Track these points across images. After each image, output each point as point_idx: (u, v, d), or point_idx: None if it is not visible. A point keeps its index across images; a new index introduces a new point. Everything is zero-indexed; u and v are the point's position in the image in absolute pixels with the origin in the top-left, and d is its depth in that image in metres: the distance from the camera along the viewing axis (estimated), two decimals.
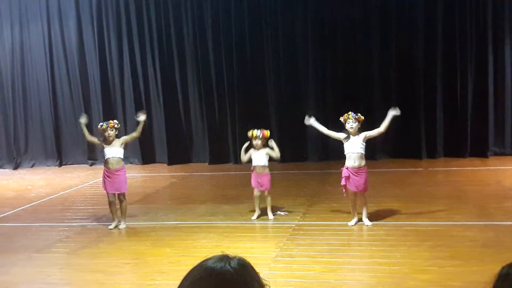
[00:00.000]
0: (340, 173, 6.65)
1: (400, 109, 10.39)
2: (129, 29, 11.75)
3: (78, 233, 7.12)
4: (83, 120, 7.37)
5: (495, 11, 10.25)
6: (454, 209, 7.08)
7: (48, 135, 12.46)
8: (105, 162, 7.15)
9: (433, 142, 10.58)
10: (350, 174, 6.50)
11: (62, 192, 9.64)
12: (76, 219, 7.78)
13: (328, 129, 6.80)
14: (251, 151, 7.14)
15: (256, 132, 7.06)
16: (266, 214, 7.17)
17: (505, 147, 10.45)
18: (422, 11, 10.43)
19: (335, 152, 10.81)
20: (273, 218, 7.10)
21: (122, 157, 7.18)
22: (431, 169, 9.81)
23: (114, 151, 7.09)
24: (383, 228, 6.50)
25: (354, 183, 6.50)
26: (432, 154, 10.55)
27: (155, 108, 11.88)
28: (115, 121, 7.28)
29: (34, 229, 7.44)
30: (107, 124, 7.12)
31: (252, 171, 7.18)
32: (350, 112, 6.56)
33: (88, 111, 12.10)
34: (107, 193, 7.16)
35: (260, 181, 7.08)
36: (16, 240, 7.00)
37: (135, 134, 7.46)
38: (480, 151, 10.33)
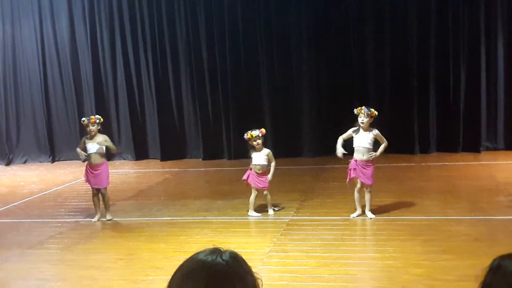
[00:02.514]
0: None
1: (394, 105, 10.65)
2: (121, 25, 11.70)
3: (71, 229, 7.10)
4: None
5: (487, 8, 10.28)
6: (447, 203, 7.11)
7: (40, 131, 12.40)
8: (88, 157, 7.24)
9: (426, 137, 10.61)
10: (358, 166, 6.54)
11: (55, 188, 9.61)
12: (69, 215, 7.76)
13: (337, 136, 6.75)
14: (252, 152, 7.12)
15: (254, 133, 7.00)
16: (265, 211, 7.19)
17: (497, 142, 10.49)
18: (415, 8, 10.45)
19: (329, 147, 10.91)
20: (273, 214, 7.10)
21: (103, 152, 7.25)
22: (424, 164, 9.85)
23: (96, 146, 7.19)
24: (376, 222, 6.53)
25: (362, 175, 6.56)
26: (425, 149, 10.59)
27: (148, 103, 11.85)
28: (97, 116, 7.39)
29: (27, 225, 7.42)
30: (88, 119, 7.24)
31: (250, 169, 7.16)
32: (363, 107, 6.56)
33: (80, 107, 12.09)
34: (91, 187, 7.30)
35: (259, 180, 7.07)
36: (8, 236, 6.98)
37: (113, 147, 7.54)
38: (473, 146, 10.37)
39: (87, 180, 7.33)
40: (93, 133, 7.18)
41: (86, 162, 7.39)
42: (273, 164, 7.08)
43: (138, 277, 5.30)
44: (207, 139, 11.53)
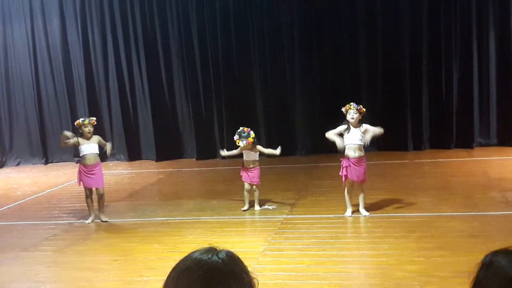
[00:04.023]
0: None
1: (386, 101, 10.66)
2: (113, 25, 11.67)
3: (65, 230, 7.08)
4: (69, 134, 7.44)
5: (479, 6, 10.30)
6: (441, 200, 7.13)
7: (33, 133, 12.35)
8: (83, 158, 7.24)
9: (419, 134, 10.64)
10: (351, 164, 6.56)
11: (49, 190, 9.58)
12: (63, 216, 7.73)
13: (321, 129, 6.87)
14: (241, 148, 7.24)
15: (241, 144, 7.08)
16: (253, 206, 7.28)
17: (490, 138, 10.53)
18: (407, 7, 10.47)
19: (323, 145, 10.92)
20: (259, 210, 7.20)
21: (98, 153, 7.30)
22: (417, 161, 9.87)
23: (92, 147, 7.23)
24: (371, 220, 6.54)
25: (355, 173, 6.57)
26: (418, 146, 10.62)
27: (141, 104, 11.82)
28: (94, 118, 7.45)
29: (21, 228, 7.39)
30: (88, 120, 7.27)
31: (242, 165, 7.24)
32: (352, 103, 6.59)
33: (73, 109, 12.05)
34: (85, 188, 7.27)
35: (250, 175, 7.15)
36: (2, 239, 6.94)
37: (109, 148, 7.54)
38: (466, 142, 10.41)
39: (82, 182, 7.26)
40: (89, 135, 7.21)
41: (79, 164, 7.39)
42: (267, 150, 7.36)
43: (132, 278, 5.30)
44: (200, 139, 11.51)
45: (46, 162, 12.27)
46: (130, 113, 11.85)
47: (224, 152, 7.50)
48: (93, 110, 11.69)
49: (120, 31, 11.64)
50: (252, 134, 7.13)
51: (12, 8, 12.14)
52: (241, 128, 7.23)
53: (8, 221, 7.82)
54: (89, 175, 7.20)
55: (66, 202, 8.60)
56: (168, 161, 11.51)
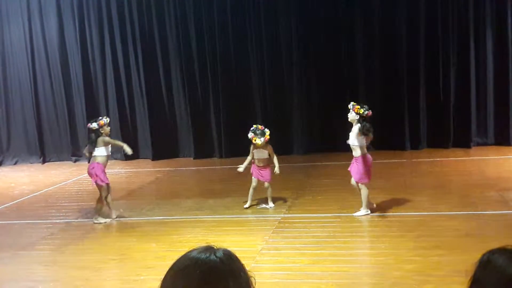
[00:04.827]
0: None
1: (384, 101, 10.66)
2: (110, 24, 11.65)
3: (62, 230, 7.07)
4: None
5: (476, 6, 10.31)
6: (438, 199, 7.14)
7: (30, 132, 12.33)
8: (105, 157, 7.21)
9: (416, 134, 10.65)
10: (353, 161, 6.66)
11: (46, 189, 9.56)
12: (61, 216, 7.72)
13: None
14: (252, 148, 7.23)
15: (259, 141, 7.05)
16: (256, 205, 7.33)
17: (487, 137, 10.55)
18: (404, 6, 10.48)
19: (321, 145, 10.94)
20: (272, 207, 7.25)
21: None
22: (414, 160, 9.88)
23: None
24: (368, 219, 6.54)
25: (352, 169, 6.64)
26: (415, 146, 10.63)
27: (138, 103, 11.81)
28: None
29: (18, 227, 7.38)
30: (109, 120, 7.32)
31: (253, 163, 7.28)
32: (351, 103, 6.64)
33: (70, 108, 12.03)
34: (108, 185, 7.20)
35: (261, 173, 7.22)
36: (0, 238, 6.93)
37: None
38: (463, 142, 10.43)
39: (106, 179, 7.19)
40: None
41: (100, 163, 7.16)
42: (275, 158, 7.28)
43: (130, 277, 5.29)
44: (198, 138, 11.51)
45: (44, 161, 12.25)
46: (127, 112, 11.84)
47: (241, 168, 7.34)
48: (90, 109, 11.68)
49: (117, 31, 11.61)
50: (267, 131, 7.16)
51: (10, 8, 12.10)
52: (254, 126, 7.24)
53: (5, 220, 7.80)
54: (105, 173, 7.20)
55: (63, 201, 8.59)
56: (165, 160, 11.50)
